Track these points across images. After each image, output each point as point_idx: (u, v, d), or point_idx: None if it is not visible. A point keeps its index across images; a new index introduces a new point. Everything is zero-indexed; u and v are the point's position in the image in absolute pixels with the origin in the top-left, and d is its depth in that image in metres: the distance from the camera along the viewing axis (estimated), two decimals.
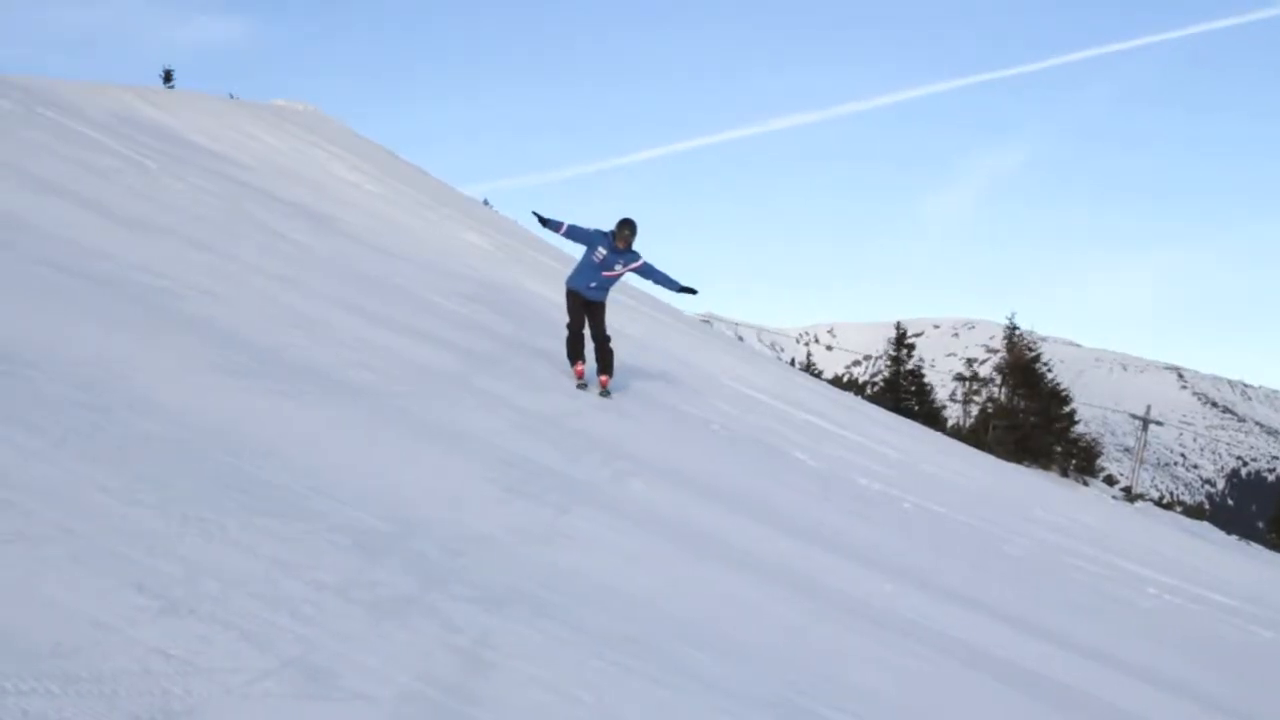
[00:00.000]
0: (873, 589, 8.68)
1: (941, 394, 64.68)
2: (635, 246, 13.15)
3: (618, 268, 13.17)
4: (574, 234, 13.17)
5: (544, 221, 13.02)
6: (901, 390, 56.58)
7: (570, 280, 13.43)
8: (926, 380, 58.81)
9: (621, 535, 7.55)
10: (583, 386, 13.30)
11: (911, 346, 58.79)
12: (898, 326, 60.80)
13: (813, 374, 54.63)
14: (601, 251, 13.09)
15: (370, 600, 4.59)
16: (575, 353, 13.50)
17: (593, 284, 13.24)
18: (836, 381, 63.18)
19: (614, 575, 6.55)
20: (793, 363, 67.99)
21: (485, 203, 42.83)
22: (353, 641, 4.12)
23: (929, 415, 52.64)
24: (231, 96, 37.37)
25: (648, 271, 13.23)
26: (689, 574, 7.23)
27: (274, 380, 8.07)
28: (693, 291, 13.25)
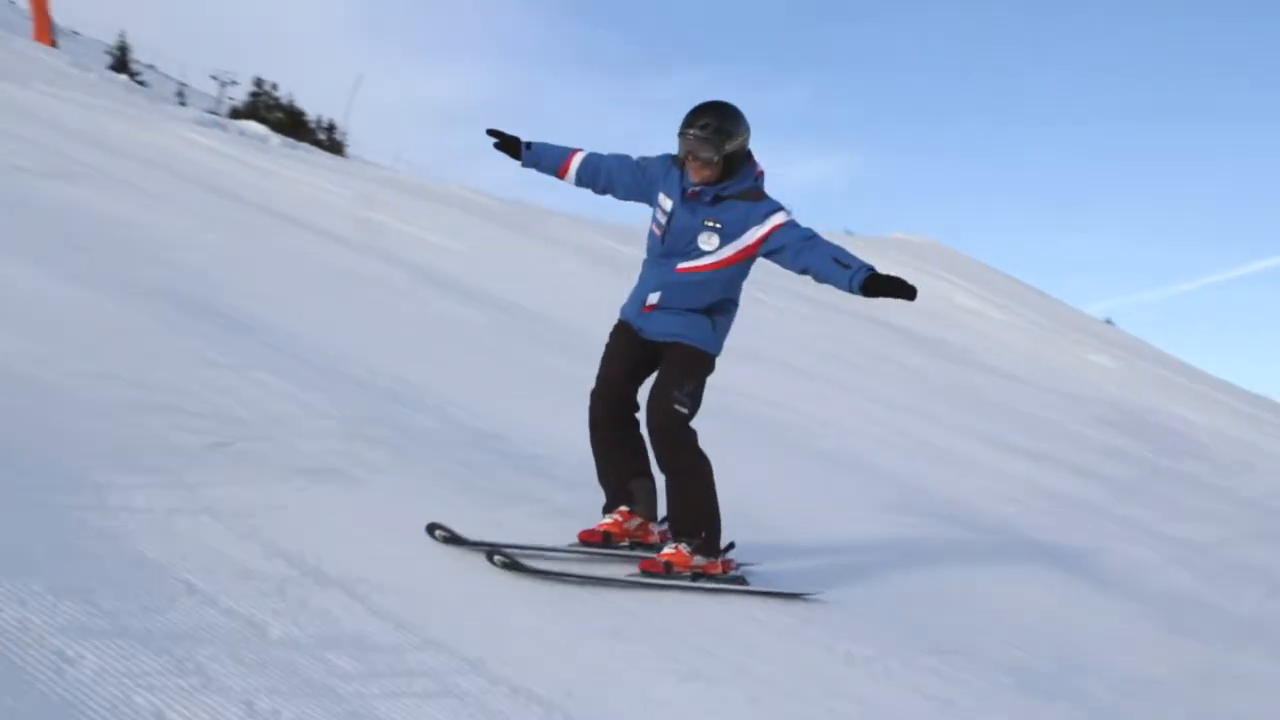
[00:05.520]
0: None
1: None
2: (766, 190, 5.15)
3: (704, 245, 5.03)
4: (598, 174, 5.32)
5: (512, 149, 5.35)
6: None
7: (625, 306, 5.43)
8: None
9: None
10: (500, 559, 4.51)
11: None
12: None
13: None
14: (665, 204, 5.10)
15: None
16: (611, 474, 5.29)
17: (652, 295, 5.14)
18: None
19: None
20: None
21: (1108, 321, 41.37)
22: None
23: None
24: (847, 232, 38.61)
25: (796, 249, 4.98)
26: None
27: (931, 520, 8.03)
28: (905, 292, 4.84)
